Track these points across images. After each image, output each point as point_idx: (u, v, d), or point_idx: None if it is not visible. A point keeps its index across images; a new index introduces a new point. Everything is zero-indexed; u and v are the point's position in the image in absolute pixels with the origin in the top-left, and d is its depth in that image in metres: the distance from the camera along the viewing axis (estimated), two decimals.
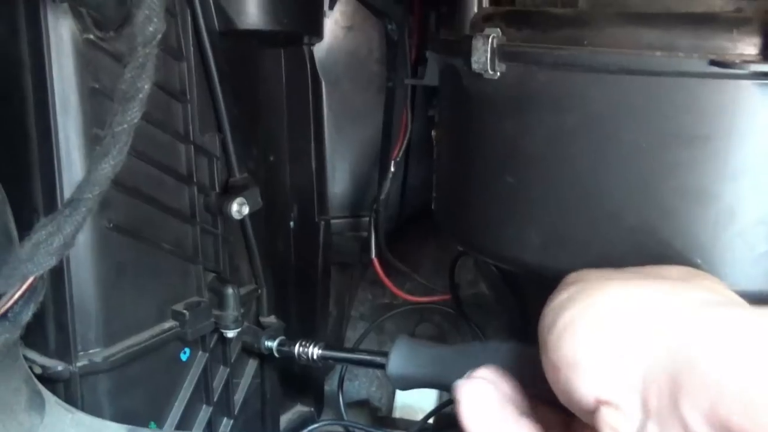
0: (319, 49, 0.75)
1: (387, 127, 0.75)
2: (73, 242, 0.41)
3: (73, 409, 0.57)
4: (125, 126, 0.39)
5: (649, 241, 0.52)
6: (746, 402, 0.33)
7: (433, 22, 0.73)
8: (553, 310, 0.43)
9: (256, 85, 0.73)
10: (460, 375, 0.54)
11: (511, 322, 0.68)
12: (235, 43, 0.69)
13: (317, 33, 0.74)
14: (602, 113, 0.52)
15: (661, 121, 0.51)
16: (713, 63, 0.48)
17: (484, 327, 0.78)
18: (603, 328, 0.40)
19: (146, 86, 0.39)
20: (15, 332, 0.42)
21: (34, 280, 0.41)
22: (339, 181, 0.77)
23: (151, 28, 0.38)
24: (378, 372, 0.90)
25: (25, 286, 0.41)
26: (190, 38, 0.65)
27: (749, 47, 0.49)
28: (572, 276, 0.47)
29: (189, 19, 0.64)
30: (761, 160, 0.50)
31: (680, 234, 0.51)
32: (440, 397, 0.83)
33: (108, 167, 0.39)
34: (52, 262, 0.40)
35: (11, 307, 0.41)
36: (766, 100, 0.48)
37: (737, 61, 0.48)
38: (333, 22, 0.75)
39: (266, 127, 0.75)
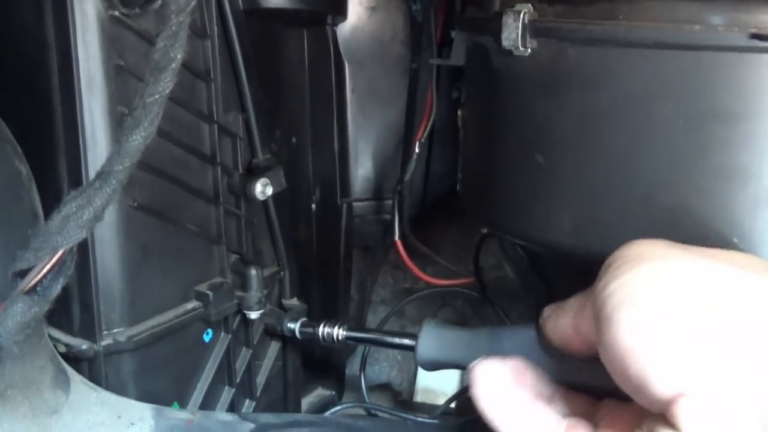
0: (343, 30, 0.74)
1: (411, 109, 0.74)
2: (103, 215, 0.40)
3: (98, 388, 0.57)
4: (157, 96, 0.38)
5: (685, 221, 0.51)
6: None
7: (459, 1, 0.71)
8: (626, 287, 0.39)
9: (280, 66, 0.72)
10: (494, 350, 0.53)
11: (536, 307, 0.67)
12: (259, 22, 0.68)
13: (341, 12, 0.73)
14: (637, 90, 0.51)
15: (698, 97, 0.50)
16: (753, 36, 0.47)
17: (507, 311, 0.77)
18: (695, 315, 0.37)
19: (179, 56, 0.38)
20: (44, 306, 0.41)
21: (63, 253, 0.40)
22: (362, 164, 0.77)
23: None
24: (399, 356, 0.90)
25: (54, 260, 0.40)
26: (214, 17, 0.64)
27: None
28: (638, 248, 0.44)
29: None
30: None
31: (717, 214, 0.50)
32: (462, 380, 0.82)
33: (139, 138, 0.39)
34: (83, 234, 0.40)
35: (40, 281, 0.40)
36: None
37: None
38: (357, 3, 0.74)
39: (289, 109, 0.74)
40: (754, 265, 0.42)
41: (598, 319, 0.40)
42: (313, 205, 0.77)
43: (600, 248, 0.47)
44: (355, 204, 0.77)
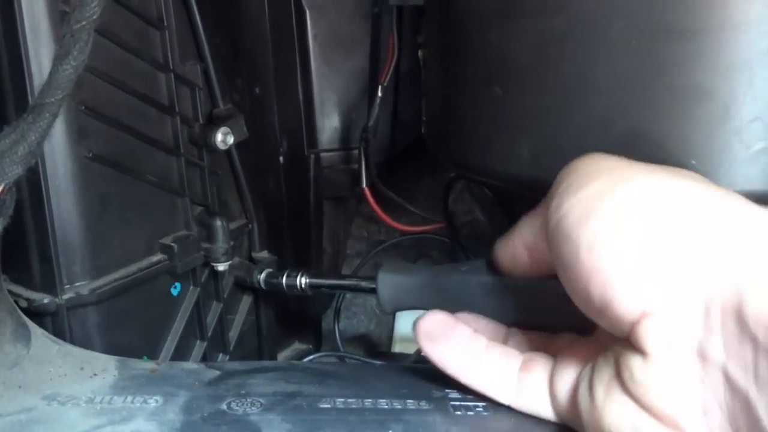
0: None
1: (374, 55, 0.73)
2: (39, 151, 0.39)
3: (60, 341, 0.56)
4: (84, 23, 0.37)
5: (643, 144, 0.50)
6: None
7: None
8: (583, 203, 0.38)
9: (239, 13, 0.71)
10: (451, 293, 0.53)
11: None
12: None
13: None
14: (590, 12, 0.50)
15: (650, 15, 0.48)
16: None
17: (481, 255, 0.76)
18: (656, 231, 0.35)
19: None
20: None
21: (2, 191, 0.39)
22: (328, 113, 0.75)
23: None
24: (376, 309, 0.89)
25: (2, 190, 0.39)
26: None
27: None
28: (592, 163, 0.42)
29: None
30: (756, 54, 0.47)
31: (674, 135, 0.49)
32: None
33: (70, 68, 0.37)
34: (18, 171, 0.39)
35: None
36: None
37: None
38: None
39: (250, 58, 0.72)
40: (705, 181, 0.42)
41: (555, 238, 0.39)
42: (281, 157, 0.75)
43: None
44: (323, 154, 0.76)
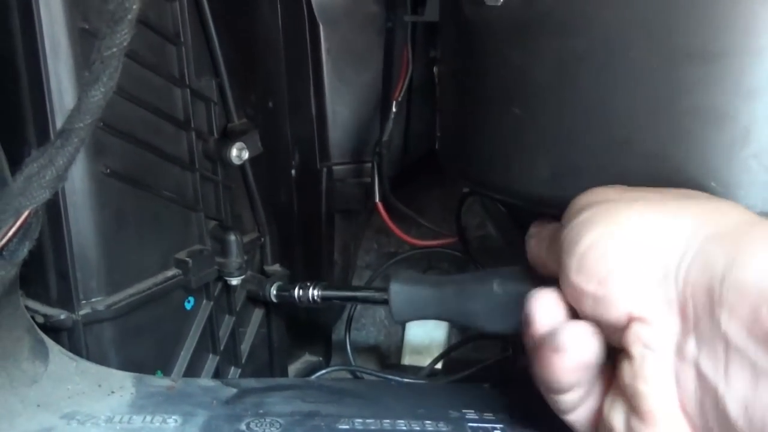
0: None
1: (388, 69, 0.73)
2: (66, 175, 0.39)
3: (78, 358, 0.56)
4: (115, 50, 0.36)
5: (663, 166, 0.50)
6: None
7: None
8: (576, 228, 0.42)
9: (253, 28, 0.71)
10: (462, 304, 0.53)
11: (519, 264, 0.66)
12: None
13: None
14: (612, 33, 0.50)
15: (672, 38, 0.48)
16: None
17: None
18: (635, 243, 0.39)
19: (134, 6, 0.36)
20: (11, 270, 0.41)
21: (29, 215, 0.39)
22: (340, 127, 0.75)
23: None
24: (386, 320, 0.89)
25: (19, 222, 0.39)
26: None
27: None
28: (589, 195, 0.46)
29: None
30: None
31: (694, 157, 0.49)
32: (448, 341, 0.82)
33: (99, 94, 0.37)
34: (46, 195, 0.39)
35: (6, 244, 0.39)
36: None
37: None
38: None
39: (264, 72, 0.72)
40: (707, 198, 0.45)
41: (561, 251, 0.42)
42: (293, 170, 0.75)
43: None
44: (335, 168, 0.76)
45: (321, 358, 0.83)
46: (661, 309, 0.37)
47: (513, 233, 0.74)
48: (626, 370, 0.38)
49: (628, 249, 0.38)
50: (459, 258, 0.80)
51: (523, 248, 0.55)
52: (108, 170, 0.58)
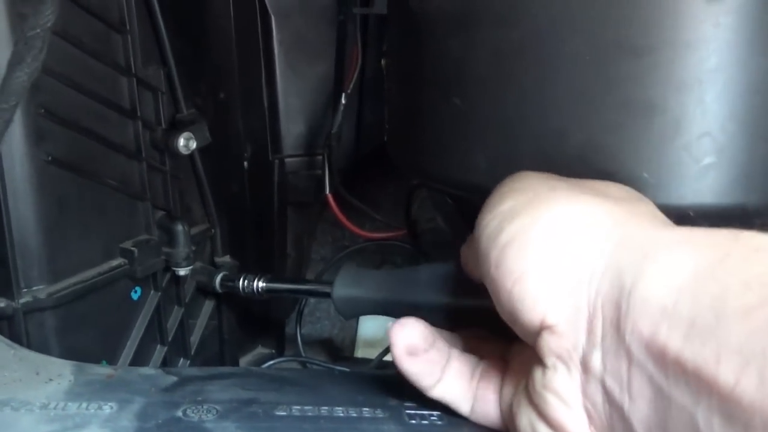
0: None
1: (339, 62, 0.73)
2: None
3: (16, 345, 0.55)
4: (38, 30, 0.37)
5: (596, 157, 0.51)
6: (686, 330, 0.30)
7: None
8: (497, 219, 0.40)
9: (204, 17, 0.71)
10: (406, 298, 0.53)
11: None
12: None
13: None
14: (545, 26, 0.51)
15: (603, 32, 0.49)
16: None
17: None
18: (551, 245, 0.38)
19: None
20: None
21: None
22: (293, 119, 0.75)
23: None
24: None
25: None
26: None
27: None
28: (514, 182, 0.45)
29: None
30: (705, 71, 0.48)
31: (626, 148, 0.50)
32: None
33: (23, 75, 0.38)
34: None
35: None
36: (709, 11, 0.47)
37: None
38: None
39: (215, 62, 0.72)
40: (622, 197, 0.43)
41: (476, 251, 0.41)
42: (245, 162, 0.75)
43: None
44: (287, 160, 0.76)
45: (273, 351, 0.83)
46: (570, 319, 0.36)
47: (461, 226, 0.74)
48: (537, 376, 0.37)
49: (545, 248, 0.38)
50: (411, 251, 0.80)
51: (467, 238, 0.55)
52: (50, 158, 0.58)
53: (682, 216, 0.47)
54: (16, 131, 0.56)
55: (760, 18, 0.47)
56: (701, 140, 0.49)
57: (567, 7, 0.50)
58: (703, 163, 0.50)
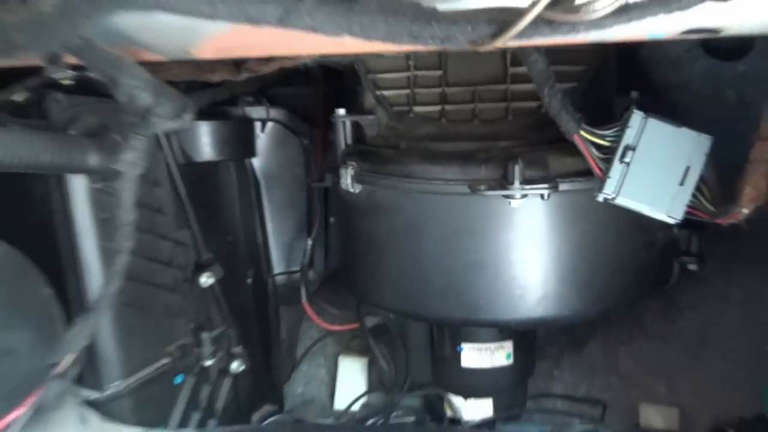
0: (258, 159, 1.06)
1: (309, 213, 1.06)
2: (97, 329, 0.72)
3: (109, 420, 0.88)
4: (124, 247, 0.68)
5: (457, 297, 0.83)
6: None
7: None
8: None
9: (215, 190, 1.04)
10: None
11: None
12: (195, 167, 0.99)
13: (252, 153, 1.04)
14: (416, 217, 0.82)
15: (450, 221, 0.81)
16: (470, 187, 0.78)
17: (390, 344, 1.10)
18: None
19: (131, 218, 0.68)
20: (69, 382, 0.72)
21: (76, 358, 0.71)
22: (280, 250, 1.08)
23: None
24: (326, 375, 1.21)
25: (74, 356, 0.71)
26: (163, 170, 0.95)
27: (495, 175, 0.78)
28: None
29: (161, 158, 0.95)
30: (506, 243, 0.80)
31: (471, 289, 0.82)
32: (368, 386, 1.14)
33: (113, 287, 0.70)
34: (86, 342, 0.71)
35: (66, 370, 0.72)
36: (503, 209, 0.78)
37: (482, 186, 0.77)
38: (266, 140, 1.06)
39: (225, 218, 1.05)
40: None
41: None
42: (249, 280, 1.08)
43: (412, 309, 0.80)
44: (277, 277, 1.08)
45: (277, 407, 1.15)
46: None
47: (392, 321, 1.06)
48: None
49: None
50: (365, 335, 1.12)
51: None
52: (123, 302, 0.90)
53: None
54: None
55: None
56: (512, 282, 0.81)
57: (427, 207, 0.81)
58: (517, 294, 0.81)
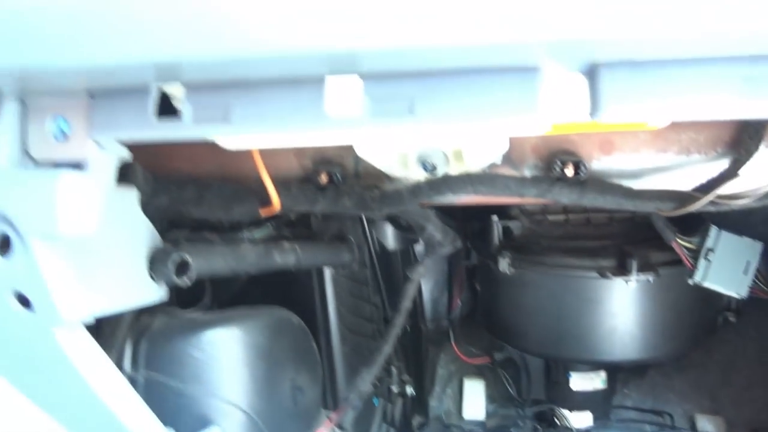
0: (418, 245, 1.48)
1: (450, 280, 1.48)
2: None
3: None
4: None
5: (573, 341, 1.25)
6: None
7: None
8: None
9: (394, 266, 1.45)
10: None
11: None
12: (384, 252, 1.41)
13: (416, 242, 1.46)
14: (557, 293, 1.24)
15: (578, 294, 1.23)
16: (599, 273, 1.20)
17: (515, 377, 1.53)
18: None
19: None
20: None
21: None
22: (427, 305, 1.50)
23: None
24: (455, 394, 1.62)
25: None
26: (370, 256, 1.36)
27: (610, 264, 1.20)
28: None
29: (365, 249, 1.36)
30: (618, 308, 1.22)
31: (587, 338, 1.25)
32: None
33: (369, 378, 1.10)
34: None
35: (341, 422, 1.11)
36: (621, 288, 1.19)
37: (606, 273, 1.19)
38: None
39: (398, 284, 1.46)
40: None
41: None
42: (408, 328, 1.49)
43: (545, 351, 1.23)
44: (429, 325, 1.50)
45: (425, 417, 1.55)
46: None
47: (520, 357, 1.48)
48: None
49: None
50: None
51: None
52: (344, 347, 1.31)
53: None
54: None
55: None
56: (613, 333, 1.23)
57: (565, 287, 1.24)
58: (615, 342, 1.23)
